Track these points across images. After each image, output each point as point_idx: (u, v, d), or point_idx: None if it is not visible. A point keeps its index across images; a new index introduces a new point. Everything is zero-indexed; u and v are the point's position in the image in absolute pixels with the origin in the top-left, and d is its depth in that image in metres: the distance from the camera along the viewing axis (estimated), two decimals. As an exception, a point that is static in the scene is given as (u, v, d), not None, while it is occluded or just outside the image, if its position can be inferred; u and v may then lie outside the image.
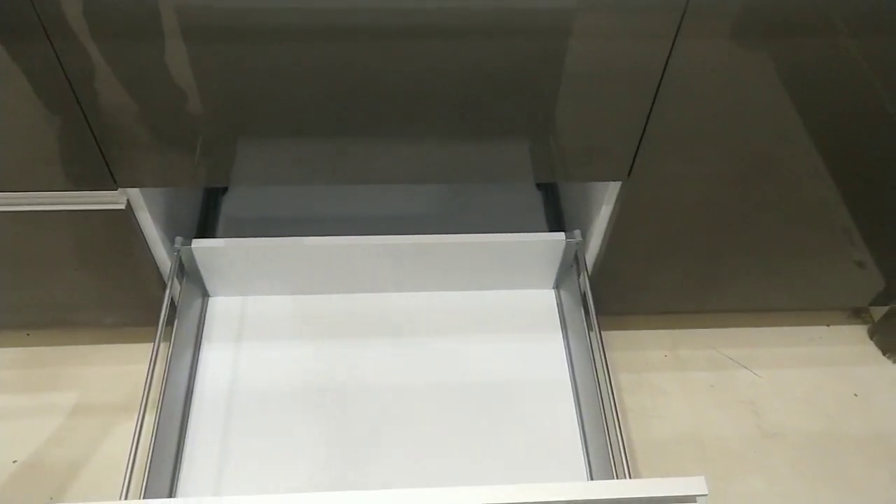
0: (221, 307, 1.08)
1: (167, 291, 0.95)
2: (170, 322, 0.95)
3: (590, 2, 0.68)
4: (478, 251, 1.03)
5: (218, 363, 1.02)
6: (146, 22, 0.67)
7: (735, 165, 0.87)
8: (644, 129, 0.81)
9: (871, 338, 1.20)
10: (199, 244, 0.99)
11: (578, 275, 1.02)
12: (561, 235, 1.02)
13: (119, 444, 1.03)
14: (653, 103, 0.78)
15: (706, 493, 0.69)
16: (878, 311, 1.20)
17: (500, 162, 0.84)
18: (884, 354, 1.18)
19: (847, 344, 1.19)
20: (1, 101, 0.72)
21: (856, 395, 1.13)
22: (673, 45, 0.72)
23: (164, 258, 0.96)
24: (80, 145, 0.78)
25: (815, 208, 0.94)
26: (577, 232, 1.02)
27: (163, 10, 0.66)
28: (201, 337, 1.05)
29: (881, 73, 0.77)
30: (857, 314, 1.23)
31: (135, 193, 0.86)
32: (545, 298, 1.11)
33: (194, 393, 0.99)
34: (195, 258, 1.00)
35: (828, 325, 1.21)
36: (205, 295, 1.08)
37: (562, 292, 1.10)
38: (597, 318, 0.96)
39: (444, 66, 0.73)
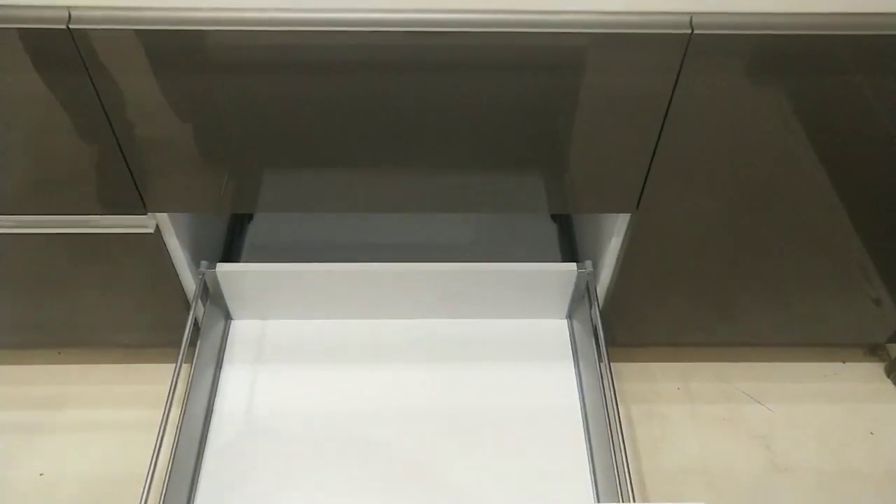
0: (243, 329, 1.12)
1: (191, 313, 0.99)
2: (192, 343, 0.99)
3: (596, 38, 0.71)
4: (492, 280, 1.05)
5: (238, 384, 1.05)
6: (179, 57, 0.71)
7: (744, 198, 0.89)
8: (651, 162, 0.83)
9: (888, 376, 1.19)
10: (223, 268, 1.03)
11: (590, 305, 1.04)
12: (572, 266, 1.04)
13: (139, 461, 1.06)
14: (659, 136, 0.80)
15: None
16: (895, 349, 1.19)
17: (512, 193, 0.87)
18: (901, 392, 1.17)
19: (863, 381, 1.19)
20: (39, 128, 0.77)
21: (871, 433, 1.12)
22: (677, 78, 0.74)
23: (189, 281, 1.01)
24: (114, 172, 0.82)
25: (828, 242, 0.95)
26: (589, 262, 1.04)
27: (194, 47, 0.70)
28: (223, 358, 1.08)
29: (891, 108, 0.79)
30: (873, 352, 1.23)
31: (163, 218, 0.90)
32: (558, 328, 1.13)
33: (213, 412, 1.02)
34: (219, 281, 1.04)
35: (843, 362, 1.21)
36: (227, 318, 1.12)
37: (574, 322, 1.12)
38: (606, 348, 0.98)
39: (457, 100, 0.76)
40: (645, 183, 0.85)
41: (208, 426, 1.01)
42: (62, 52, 0.70)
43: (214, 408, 1.02)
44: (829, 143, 0.83)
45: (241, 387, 1.05)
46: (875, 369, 1.20)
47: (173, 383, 0.91)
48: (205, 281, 1.03)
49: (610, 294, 1.02)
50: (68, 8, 0.67)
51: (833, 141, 0.83)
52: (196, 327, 1.01)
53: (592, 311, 1.03)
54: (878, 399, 1.16)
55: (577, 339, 1.10)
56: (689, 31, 0.70)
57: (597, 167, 0.84)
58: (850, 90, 0.77)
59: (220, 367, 1.07)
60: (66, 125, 0.77)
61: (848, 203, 0.90)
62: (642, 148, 0.82)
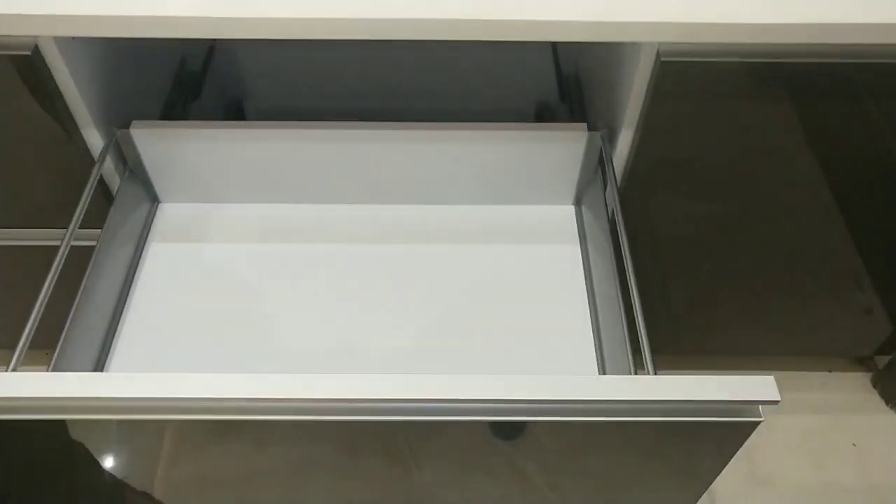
0: (172, 213, 0.92)
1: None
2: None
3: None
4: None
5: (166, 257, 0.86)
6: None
7: (741, 200, 0.87)
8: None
9: (875, 386, 1.18)
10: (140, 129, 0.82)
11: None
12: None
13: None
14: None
15: (778, 399, 0.56)
16: (883, 360, 1.17)
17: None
18: (886, 404, 1.16)
19: (848, 391, 1.17)
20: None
21: (854, 444, 1.11)
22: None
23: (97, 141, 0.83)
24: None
25: (821, 252, 0.94)
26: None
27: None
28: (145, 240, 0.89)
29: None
30: (860, 361, 1.21)
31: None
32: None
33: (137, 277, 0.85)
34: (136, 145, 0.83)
35: (829, 371, 1.20)
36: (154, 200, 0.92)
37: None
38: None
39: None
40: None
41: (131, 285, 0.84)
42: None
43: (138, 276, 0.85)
44: (826, 155, 0.82)
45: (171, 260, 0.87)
46: (861, 379, 1.19)
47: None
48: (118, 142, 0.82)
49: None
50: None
51: (831, 153, 0.82)
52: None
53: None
54: (863, 410, 1.15)
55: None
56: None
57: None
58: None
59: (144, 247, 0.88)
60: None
61: (842, 211, 0.89)
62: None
